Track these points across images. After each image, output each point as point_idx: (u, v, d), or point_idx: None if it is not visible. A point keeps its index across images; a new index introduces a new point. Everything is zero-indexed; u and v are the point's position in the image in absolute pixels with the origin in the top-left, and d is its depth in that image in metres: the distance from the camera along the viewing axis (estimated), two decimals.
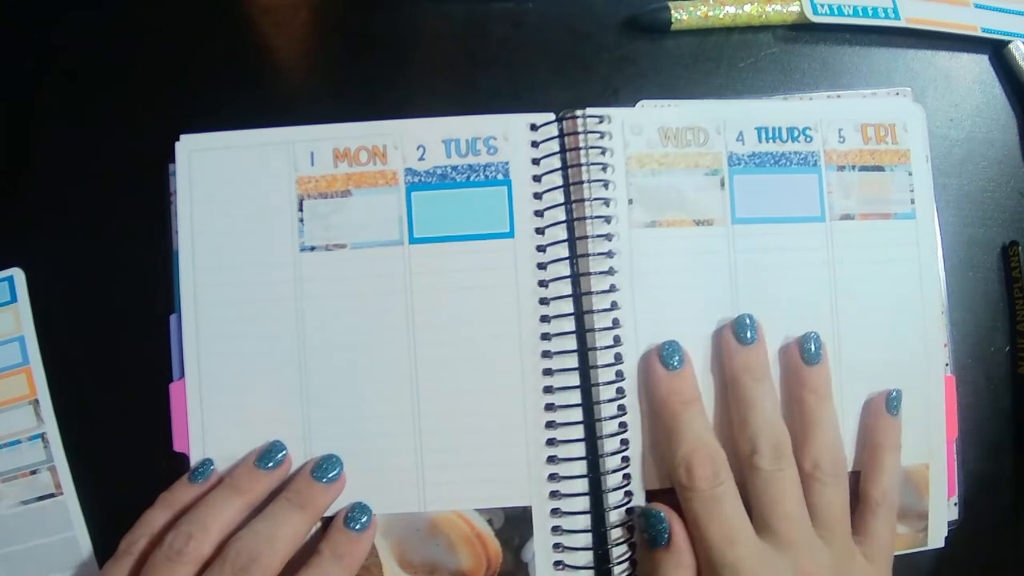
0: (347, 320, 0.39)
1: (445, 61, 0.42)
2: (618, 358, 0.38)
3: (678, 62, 0.43)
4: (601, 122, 0.39)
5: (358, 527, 0.36)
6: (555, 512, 0.38)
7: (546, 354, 0.38)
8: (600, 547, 0.38)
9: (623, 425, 0.38)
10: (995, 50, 0.44)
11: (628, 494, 0.38)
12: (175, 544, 0.33)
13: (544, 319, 0.39)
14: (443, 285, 0.39)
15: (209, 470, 0.37)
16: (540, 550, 0.38)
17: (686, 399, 0.37)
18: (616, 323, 0.39)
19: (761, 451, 0.36)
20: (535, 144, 0.39)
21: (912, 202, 0.41)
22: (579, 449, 0.38)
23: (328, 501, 0.37)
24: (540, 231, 0.39)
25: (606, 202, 0.39)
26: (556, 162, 0.39)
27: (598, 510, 0.38)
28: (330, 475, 0.37)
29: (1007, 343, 0.43)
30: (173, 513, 0.36)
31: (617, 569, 0.38)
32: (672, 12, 0.42)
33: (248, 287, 0.39)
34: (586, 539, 0.38)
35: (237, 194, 0.39)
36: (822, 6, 0.42)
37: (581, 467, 0.38)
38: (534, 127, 0.40)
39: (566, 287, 0.39)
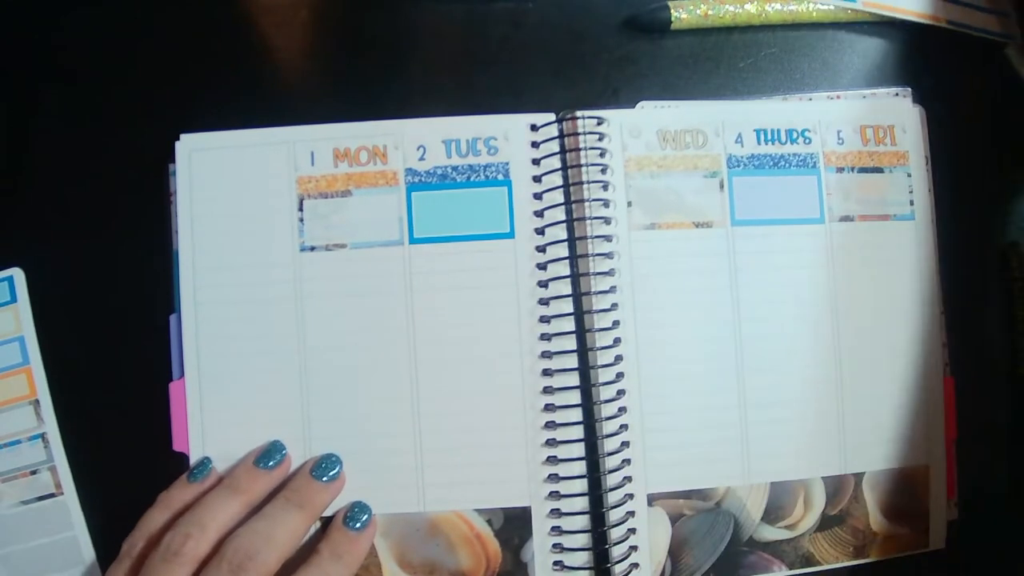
0: (347, 320, 0.39)
1: (445, 61, 0.42)
2: (618, 359, 0.38)
3: (678, 62, 0.43)
4: (599, 124, 0.39)
5: (358, 526, 0.36)
6: (554, 512, 0.38)
7: (546, 354, 0.38)
8: (599, 547, 0.38)
9: (623, 426, 0.38)
10: (995, 50, 0.44)
11: (628, 495, 0.38)
12: (172, 545, 0.33)
13: (544, 319, 0.39)
14: (443, 285, 0.39)
15: (207, 469, 0.37)
16: (539, 550, 0.38)
17: None
18: (616, 323, 0.39)
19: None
20: (535, 144, 0.39)
21: (911, 203, 0.41)
22: (579, 449, 0.38)
23: (327, 500, 0.37)
24: (540, 231, 0.39)
25: (605, 203, 0.39)
26: (556, 162, 0.39)
27: (597, 510, 0.38)
28: (329, 474, 0.37)
29: (1007, 343, 0.43)
30: (172, 513, 0.35)
31: (617, 569, 0.38)
32: (672, 11, 0.42)
33: (248, 287, 0.39)
34: (585, 539, 0.38)
35: (237, 194, 0.39)
36: None
37: (581, 467, 0.38)
38: (534, 127, 0.40)
39: (566, 287, 0.39)
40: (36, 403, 0.39)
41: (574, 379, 0.38)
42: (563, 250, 0.39)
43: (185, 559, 0.33)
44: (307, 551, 0.36)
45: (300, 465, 0.38)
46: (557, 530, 0.38)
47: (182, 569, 0.33)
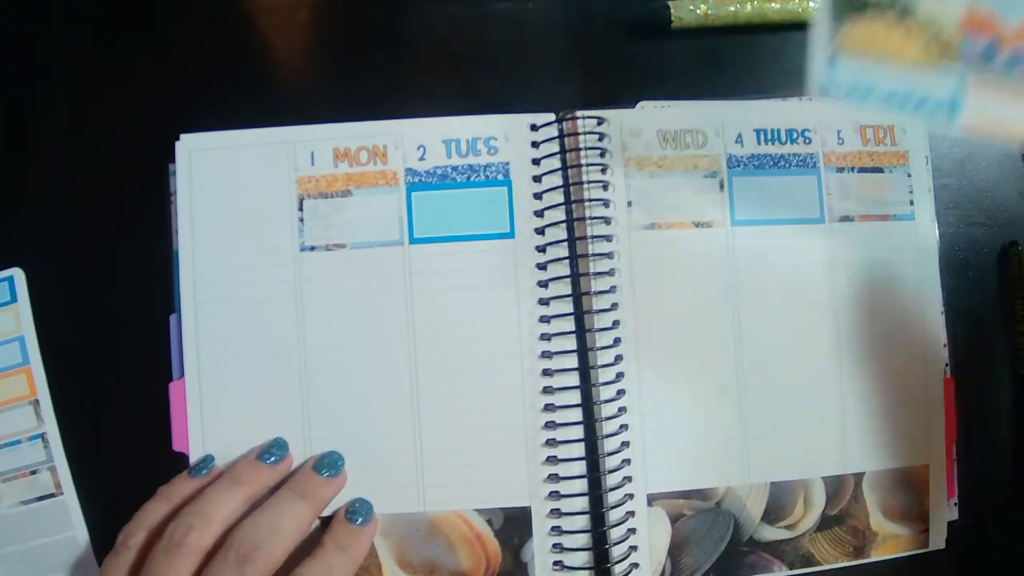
0: (347, 320, 0.39)
1: (445, 61, 0.42)
2: (618, 359, 0.38)
3: (678, 62, 0.43)
4: (599, 124, 0.39)
5: (360, 520, 0.37)
6: (554, 512, 0.38)
7: (546, 354, 0.38)
8: (599, 547, 0.38)
9: (623, 425, 0.38)
10: None
11: (628, 495, 0.38)
12: (176, 536, 0.33)
13: (544, 319, 0.39)
14: (443, 285, 0.39)
15: (210, 465, 0.37)
16: (539, 550, 0.38)
17: None
18: (616, 323, 0.39)
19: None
20: (535, 144, 0.39)
21: (911, 203, 0.41)
22: (579, 449, 0.38)
23: (330, 495, 0.37)
24: (540, 231, 0.39)
25: (605, 203, 0.39)
26: (556, 162, 0.39)
27: (597, 510, 0.38)
28: (332, 470, 0.37)
29: (1007, 343, 0.43)
30: (172, 506, 0.35)
31: (617, 569, 0.38)
32: (672, 11, 0.42)
33: (248, 287, 0.39)
34: (585, 539, 0.38)
35: (237, 194, 0.39)
36: None
37: (580, 467, 0.38)
38: (534, 127, 0.40)
39: (566, 287, 0.39)
40: (36, 403, 0.39)
41: (574, 379, 0.38)
42: (563, 250, 0.39)
43: (189, 550, 0.32)
44: (309, 546, 0.35)
45: (303, 462, 0.38)
46: (557, 530, 0.38)
47: (186, 561, 0.32)
